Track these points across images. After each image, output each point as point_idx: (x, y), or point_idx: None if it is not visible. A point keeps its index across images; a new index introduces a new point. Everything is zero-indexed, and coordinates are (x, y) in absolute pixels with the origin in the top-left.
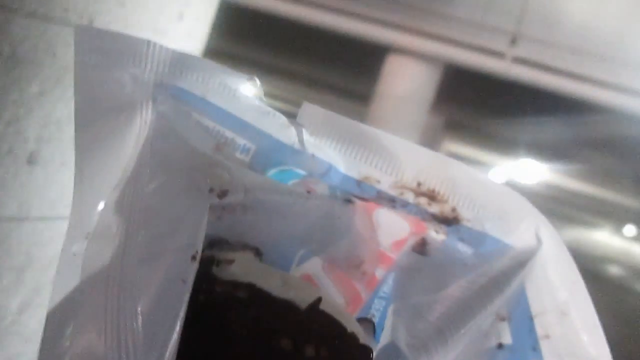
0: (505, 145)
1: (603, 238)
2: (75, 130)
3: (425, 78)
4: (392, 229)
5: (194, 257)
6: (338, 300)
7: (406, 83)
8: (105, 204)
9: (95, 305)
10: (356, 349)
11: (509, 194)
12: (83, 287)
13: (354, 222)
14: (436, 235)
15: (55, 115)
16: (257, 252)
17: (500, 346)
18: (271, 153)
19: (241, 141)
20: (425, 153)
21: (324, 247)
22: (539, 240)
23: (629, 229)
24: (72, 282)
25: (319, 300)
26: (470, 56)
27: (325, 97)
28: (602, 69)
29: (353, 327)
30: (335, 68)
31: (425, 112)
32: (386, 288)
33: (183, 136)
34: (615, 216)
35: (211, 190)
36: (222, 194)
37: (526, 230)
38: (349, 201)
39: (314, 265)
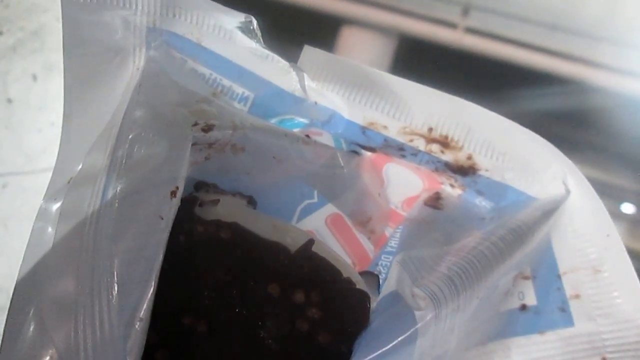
0: None
1: None
2: (64, 76)
3: (381, 49)
4: (404, 185)
5: (173, 193)
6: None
7: (362, 54)
8: (90, 147)
9: (69, 250)
10: (351, 295)
11: (533, 139)
12: (59, 233)
13: (361, 174)
14: (452, 190)
15: None
16: (251, 201)
17: (523, 307)
18: (271, 101)
19: (239, 89)
20: (437, 95)
21: (327, 199)
22: (566, 190)
23: None
24: (48, 234)
25: (311, 242)
26: (424, 27)
27: None
28: (555, 39)
29: (349, 272)
30: (291, 40)
31: None
32: (393, 242)
33: (173, 78)
34: None
35: (195, 124)
36: (208, 128)
37: (552, 179)
38: (354, 152)
39: (317, 221)
